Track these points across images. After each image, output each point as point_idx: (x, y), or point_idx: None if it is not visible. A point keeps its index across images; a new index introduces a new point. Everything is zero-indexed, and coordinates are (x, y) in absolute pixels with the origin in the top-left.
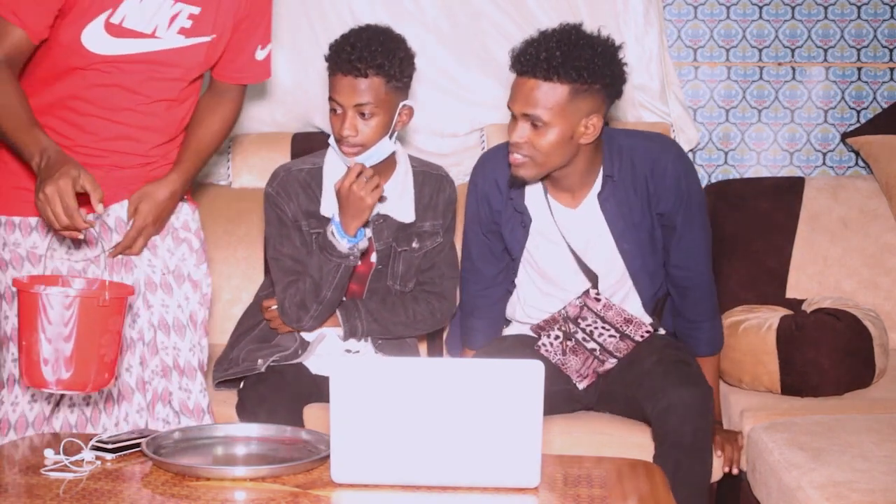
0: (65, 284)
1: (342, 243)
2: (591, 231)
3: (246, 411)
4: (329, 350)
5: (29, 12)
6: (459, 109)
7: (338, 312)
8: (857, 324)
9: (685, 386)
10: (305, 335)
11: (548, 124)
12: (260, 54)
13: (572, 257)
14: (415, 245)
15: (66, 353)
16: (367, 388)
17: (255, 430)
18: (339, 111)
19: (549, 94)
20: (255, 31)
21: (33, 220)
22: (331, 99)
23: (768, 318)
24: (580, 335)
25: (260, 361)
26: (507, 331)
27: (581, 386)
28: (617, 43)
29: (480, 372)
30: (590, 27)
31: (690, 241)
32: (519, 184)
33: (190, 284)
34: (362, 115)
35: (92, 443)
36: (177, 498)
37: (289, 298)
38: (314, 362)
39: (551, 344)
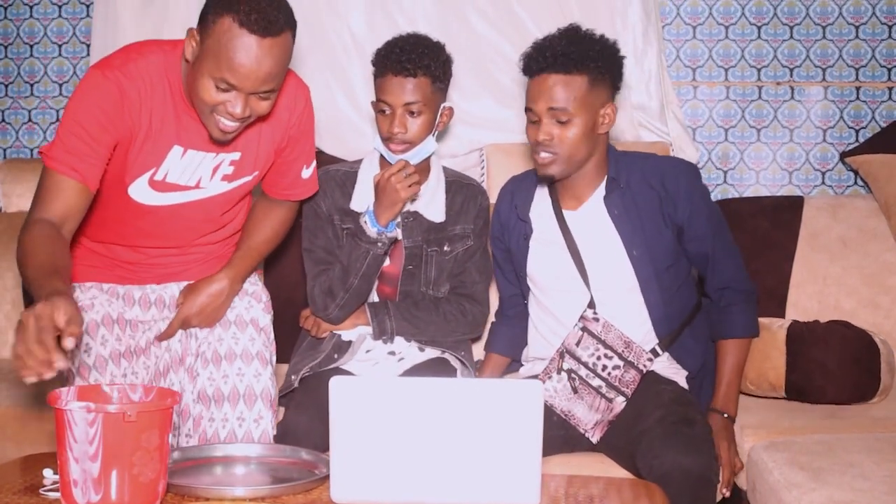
0: (115, 395)
1: (372, 230)
2: (595, 234)
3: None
4: (375, 356)
5: (86, 164)
6: (458, 131)
7: (367, 311)
8: (866, 336)
9: (686, 453)
10: (345, 335)
11: (573, 117)
12: (306, 173)
13: (572, 261)
14: (446, 248)
15: (93, 474)
16: (367, 407)
17: (254, 449)
18: (388, 111)
19: (572, 85)
20: (298, 156)
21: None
22: (379, 101)
23: (779, 321)
24: (583, 371)
25: (293, 377)
26: (522, 372)
27: (595, 438)
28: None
29: (480, 391)
30: None
31: (714, 243)
32: (547, 181)
33: (253, 328)
34: (411, 113)
35: None
36: None
37: (318, 286)
38: (355, 366)
39: (555, 389)
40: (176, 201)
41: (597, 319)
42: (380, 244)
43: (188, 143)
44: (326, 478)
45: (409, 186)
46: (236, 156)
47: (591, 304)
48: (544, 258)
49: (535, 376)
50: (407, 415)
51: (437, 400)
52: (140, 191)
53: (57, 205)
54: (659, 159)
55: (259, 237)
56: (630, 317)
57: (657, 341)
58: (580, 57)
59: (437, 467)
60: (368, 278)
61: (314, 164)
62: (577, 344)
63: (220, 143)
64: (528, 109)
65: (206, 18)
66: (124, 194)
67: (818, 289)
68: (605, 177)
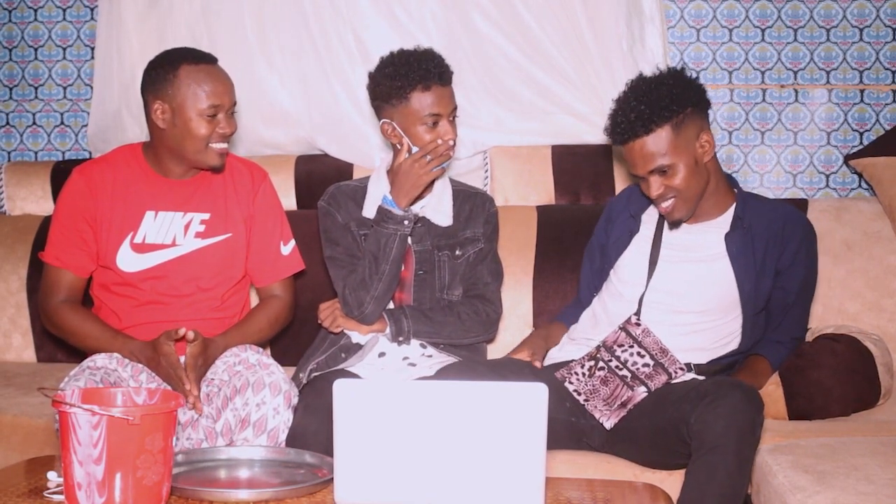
0: (119, 398)
1: (398, 211)
2: (699, 256)
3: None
4: (388, 362)
5: (67, 254)
6: (461, 133)
7: (384, 313)
8: (856, 343)
9: (736, 390)
10: (356, 337)
11: (673, 165)
12: (285, 249)
13: (647, 264)
14: (458, 252)
15: (97, 477)
16: (371, 410)
17: (258, 452)
18: (435, 122)
19: (658, 141)
20: (271, 230)
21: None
22: (425, 116)
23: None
24: (614, 363)
25: (301, 375)
26: (560, 353)
27: (608, 424)
28: (678, 66)
29: (484, 394)
30: (594, 49)
31: (797, 299)
32: (677, 226)
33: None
34: (454, 118)
35: None
36: None
37: (349, 285)
38: (363, 369)
39: (582, 374)
40: (157, 261)
41: (638, 324)
42: (406, 222)
43: (158, 205)
44: (330, 481)
45: (431, 171)
46: (205, 216)
47: (637, 311)
48: (631, 255)
49: (566, 362)
50: (411, 417)
51: (441, 403)
52: (126, 257)
53: (60, 294)
54: (786, 208)
55: (253, 328)
56: (721, 331)
57: (694, 363)
58: (655, 112)
59: (441, 470)
60: (397, 264)
61: (293, 243)
62: (615, 342)
63: (219, 169)
64: (631, 174)
65: (163, 85)
66: (113, 265)
67: (822, 292)
68: (731, 214)
